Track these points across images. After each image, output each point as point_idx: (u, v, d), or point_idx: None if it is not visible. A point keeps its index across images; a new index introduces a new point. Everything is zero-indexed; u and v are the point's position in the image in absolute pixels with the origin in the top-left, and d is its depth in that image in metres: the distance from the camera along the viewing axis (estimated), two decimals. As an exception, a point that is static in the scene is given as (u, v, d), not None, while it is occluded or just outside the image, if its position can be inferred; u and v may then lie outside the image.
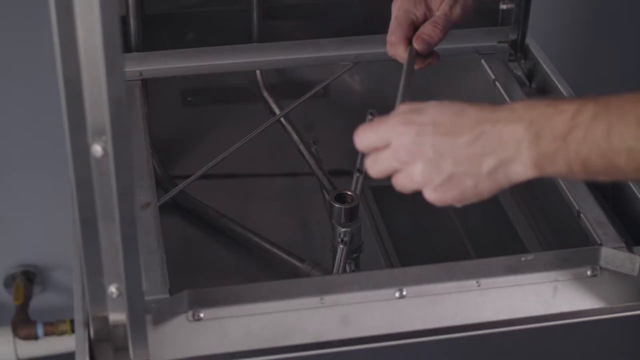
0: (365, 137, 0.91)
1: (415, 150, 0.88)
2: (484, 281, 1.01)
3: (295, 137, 1.40)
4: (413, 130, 0.88)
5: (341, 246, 1.15)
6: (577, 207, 1.11)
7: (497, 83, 1.33)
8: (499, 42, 1.39)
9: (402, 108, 0.91)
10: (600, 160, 0.83)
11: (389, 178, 0.92)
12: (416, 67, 1.10)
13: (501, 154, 0.85)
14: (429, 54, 1.12)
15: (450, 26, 1.11)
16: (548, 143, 0.84)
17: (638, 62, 1.98)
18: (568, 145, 0.83)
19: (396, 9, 1.12)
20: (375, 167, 0.91)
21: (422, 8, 1.11)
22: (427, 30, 1.10)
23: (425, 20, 1.11)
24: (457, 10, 1.11)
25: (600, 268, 1.03)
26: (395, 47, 1.11)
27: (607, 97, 0.83)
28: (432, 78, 1.41)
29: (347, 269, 1.18)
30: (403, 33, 1.11)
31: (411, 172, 0.89)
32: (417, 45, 1.10)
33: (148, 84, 1.34)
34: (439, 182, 0.88)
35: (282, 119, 1.39)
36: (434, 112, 0.88)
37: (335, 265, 1.15)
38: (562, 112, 0.84)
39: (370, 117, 1.27)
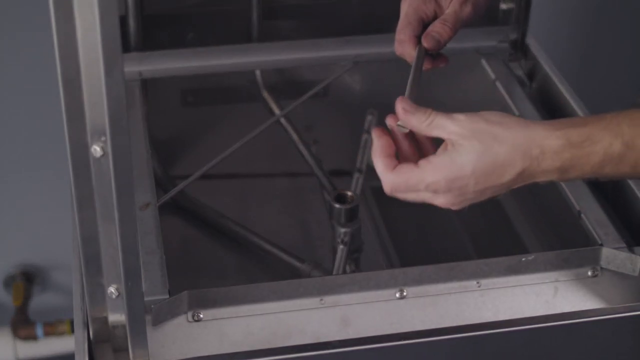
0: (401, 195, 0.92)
1: (455, 202, 0.91)
2: (485, 282, 1.01)
3: (295, 137, 1.40)
4: (454, 194, 0.90)
5: (341, 246, 1.15)
6: (577, 207, 1.11)
7: (497, 83, 1.33)
8: (499, 42, 1.39)
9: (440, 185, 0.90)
10: (620, 175, 0.90)
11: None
12: (424, 67, 1.07)
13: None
14: (438, 55, 1.09)
15: (461, 25, 1.08)
16: (573, 177, 0.89)
17: (638, 61, 1.98)
18: (591, 173, 0.89)
19: (405, 7, 1.09)
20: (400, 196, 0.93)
21: (432, 6, 1.08)
22: (437, 28, 1.06)
23: (434, 18, 1.08)
24: (468, 9, 1.07)
25: (601, 268, 1.03)
26: (404, 46, 1.07)
27: (632, 133, 0.87)
28: (432, 78, 1.41)
29: (347, 269, 1.18)
30: (412, 31, 1.07)
31: (434, 201, 0.91)
32: (426, 43, 1.06)
33: (148, 84, 1.34)
34: (459, 205, 0.91)
35: (282, 119, 1.39)
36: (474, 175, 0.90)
37: (335, 265, 1.15)
38: (590, 155, 0.87)
39: (370, 117, 1.27)
